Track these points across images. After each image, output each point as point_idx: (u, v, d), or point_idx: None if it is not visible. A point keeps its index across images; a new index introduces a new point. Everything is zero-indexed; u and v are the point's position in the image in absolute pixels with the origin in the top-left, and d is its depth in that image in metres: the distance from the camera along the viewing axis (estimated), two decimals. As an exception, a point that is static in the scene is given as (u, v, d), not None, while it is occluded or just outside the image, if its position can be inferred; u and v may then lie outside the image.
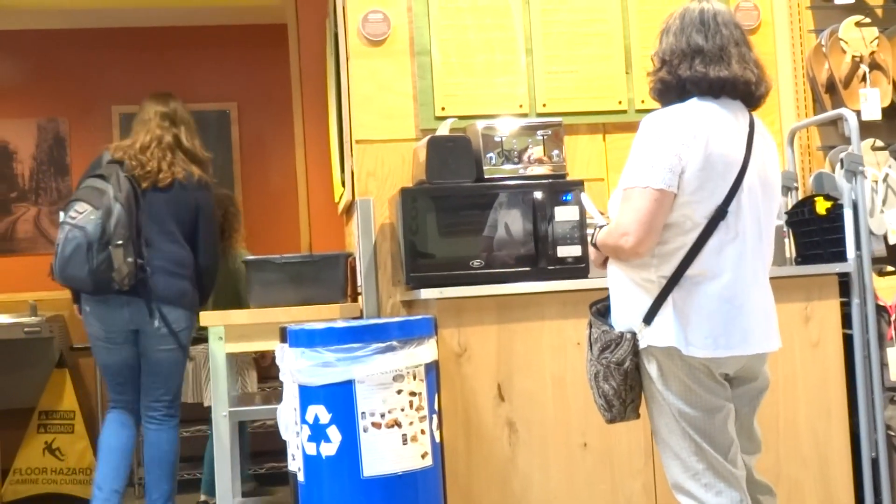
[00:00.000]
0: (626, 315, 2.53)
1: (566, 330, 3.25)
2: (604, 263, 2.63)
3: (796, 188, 3.87)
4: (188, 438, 4.89)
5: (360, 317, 3.62)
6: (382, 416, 2.83)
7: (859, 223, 3.45)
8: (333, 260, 3.83)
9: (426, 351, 2.94)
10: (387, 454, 2.83)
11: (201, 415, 4.87)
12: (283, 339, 3.02)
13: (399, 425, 2.85)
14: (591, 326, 2.58)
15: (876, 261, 3.58)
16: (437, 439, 2.99)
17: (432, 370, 2.99)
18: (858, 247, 3.44)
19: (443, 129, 3.56)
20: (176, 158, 4.04)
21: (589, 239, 2.68)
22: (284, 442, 3.15)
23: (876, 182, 3.81)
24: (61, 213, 3.90)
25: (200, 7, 6.15)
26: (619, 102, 3.85)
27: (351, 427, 2.82)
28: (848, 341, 3.43)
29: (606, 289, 2.62)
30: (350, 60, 3.77)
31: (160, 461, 4.02)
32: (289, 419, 3.05)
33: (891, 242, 3.81)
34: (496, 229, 3.39)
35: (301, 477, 2.97)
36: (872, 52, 4.00)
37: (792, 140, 3.90)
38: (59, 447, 5.46)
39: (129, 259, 3.77)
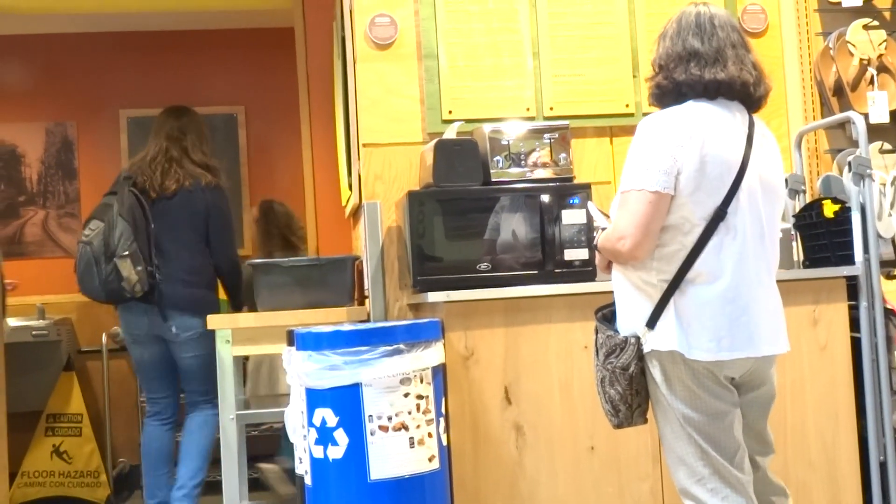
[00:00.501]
0: (629, 319, 2.53)
1: (573, 333, 3.24)
2: (608, 267, 2.63)
3: (804, 191, 3.86)
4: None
5: (368, 320, 3.62)
6: (389, 419, 2.83)
7: (867, 226, 3.44)
8: (340, 263, 3.83)
9: (433, 354, 2.94)
10: (394, 457, 2.83)
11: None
12: (291, 343, 3.03)
13: (406, 428, 2.84)
14: (597, 332, 2.58)
15: (884, 264, 3.56)
16: (445, 442, 2.99)
17: (439, 373, 2.99)
18: (866, 250, 3.44)
19: (450, 133, 3.56)
20: (182, 167, 4.15)
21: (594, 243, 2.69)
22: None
23: (884, 185, 3.79)
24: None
25: (208, 11, 6.16)
26: (627, 105, 3.85)
27: (358, 430, 2.82)
28: (856, 345, 3.42)
29: (613, 292, 2.62)
30: (357, 64, 3.77)
31: (196, 443, 4.17)
32: (296, 422, 3.05)
33: (899, 245, 3.80)
34: (503, 232, 3.39)
35: (308, 480, 2.96)
36: (880, 55, 3.99)
37: (800, 143, 3.90)
38: (66, 450, 5.47)
39: (139, 268, 3.92)
